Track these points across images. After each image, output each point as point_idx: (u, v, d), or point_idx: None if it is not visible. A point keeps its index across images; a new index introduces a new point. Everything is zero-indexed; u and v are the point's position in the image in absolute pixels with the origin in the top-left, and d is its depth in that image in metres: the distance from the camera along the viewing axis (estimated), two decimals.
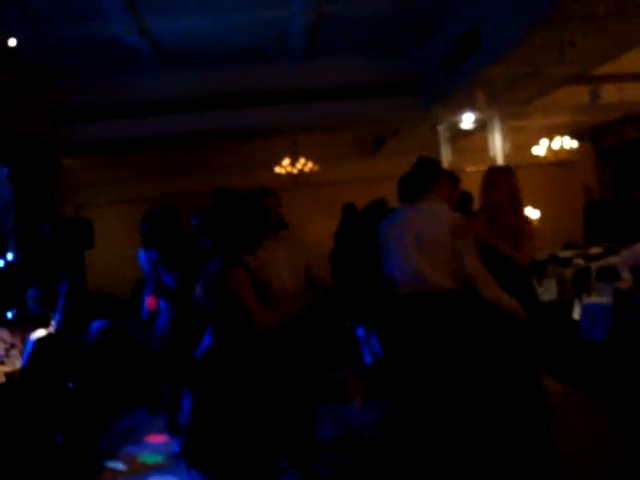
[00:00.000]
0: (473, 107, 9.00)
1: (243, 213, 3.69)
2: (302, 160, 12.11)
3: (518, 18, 6.16)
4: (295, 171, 12.13)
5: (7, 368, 4.15)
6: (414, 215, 3.80)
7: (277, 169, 12.18)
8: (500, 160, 9.42)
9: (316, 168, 12.26)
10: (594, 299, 6.95)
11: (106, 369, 5.41)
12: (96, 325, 5.75)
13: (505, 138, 9.52)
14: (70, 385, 4.35)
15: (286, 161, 12.10)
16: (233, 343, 3.23)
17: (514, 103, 8.81)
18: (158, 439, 4.89)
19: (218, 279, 3.21)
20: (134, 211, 9.13)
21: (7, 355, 4.28)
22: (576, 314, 7.36)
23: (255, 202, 3.76)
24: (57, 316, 4.30)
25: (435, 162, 4.04)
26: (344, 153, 13.36)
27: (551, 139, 11.49)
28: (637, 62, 7.35)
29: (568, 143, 11.54)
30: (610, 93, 8.61)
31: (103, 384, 5.39)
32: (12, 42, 5.57)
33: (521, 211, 4.16)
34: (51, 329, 4.25)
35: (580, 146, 12.04)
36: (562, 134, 11.58)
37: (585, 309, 6.81)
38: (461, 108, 9.23)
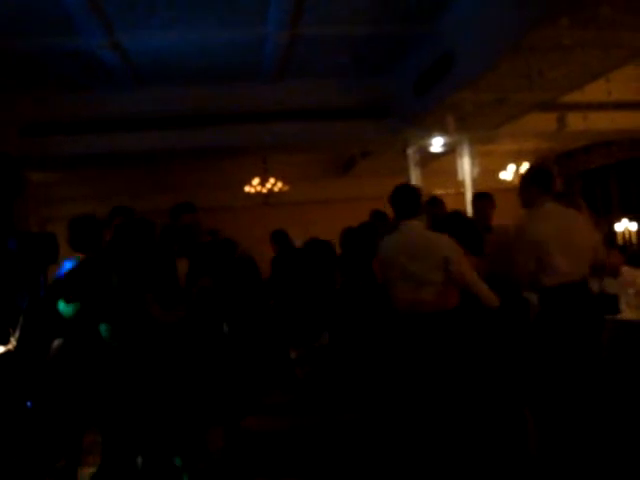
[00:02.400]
0: (443, 131, 9.11)
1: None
2: (272, 180, 12.12)
3: (488, 46, 6.27)
4: (265, 190, 12.14)
5: None
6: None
7: (247, 188, 12.17)
8: (468, 184, 9.53)
9: (286, 188, 12.27)
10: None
11: (67, 387, 5.26)
12: (57, 342, 5.61)
13: (474, 162, 9.64)
14: (29, 404, 4.21)
15: (256, 180, 12.10)
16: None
17: (483, 128, 8.94)
18: None
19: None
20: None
21: None
22: None
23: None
24: (17, 333, 4.17)
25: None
26: (314, 174, 13.41)
27: (518, 164, 11.68)
28: (601, 92, 7.52)
29: None
30: (575, 121, 8.81)
31: (63, 403, 5.24)
32: None
33: None
34: (10, 346, 4.13)
35: None
36: (529, 160, 11.79)
37: None
38: (431, 132, 9.33)
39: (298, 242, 7.42)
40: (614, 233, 10.52)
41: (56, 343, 5.75)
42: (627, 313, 5.93)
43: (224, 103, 8.91)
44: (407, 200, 4.11)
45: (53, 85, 8.39)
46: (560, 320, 4.00)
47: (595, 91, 7.44)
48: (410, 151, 10.40)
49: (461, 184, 9.73)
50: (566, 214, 4.28)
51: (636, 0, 4.89)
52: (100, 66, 7.78)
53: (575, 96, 7.61)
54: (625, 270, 7.28)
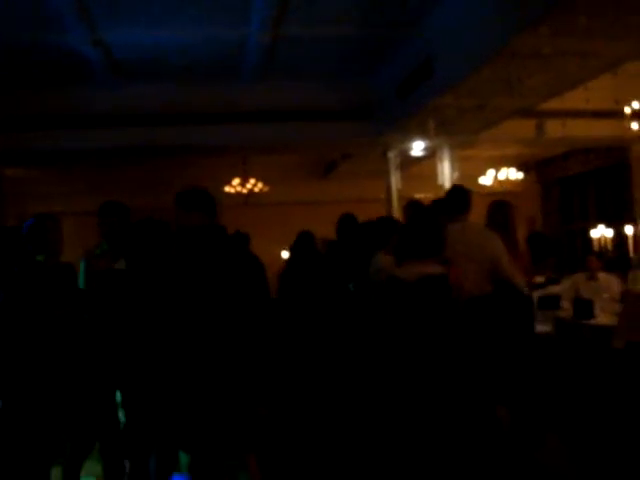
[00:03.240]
0: (423, 135, 9.17)
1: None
2: (252, 180, 12.11)
3: (469, 52, 6.33)
4: (245, 191, 12.13)
5: None
6: None
7: (227, 188, 12.15)
8: (448, 188, 9.59)
9: (266, 189, 12.27)
10: (537, 327, 7.08)
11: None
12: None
13: (454, 167, 9.72)
14: None
15: (236, 181, 12.09)
16: None
17: (463, 133, 9.02)
18: None
19: None
20: (79, 224, 8.98)
21: None
22: None
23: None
24: None
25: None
26: (295, 175, 13.42)
27: (497, 170, 11.81)
28: (579, 99, 7.62)
29: (514, 174, 11.88)
30: (554, 128, 8.91)
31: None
32: None
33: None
34: None
35: (525, 178, 12.40)
36: (508, 165, 11.92)
37: None
38: (411, 135, 9.39)
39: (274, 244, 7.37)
40: (590, 239, 10.65)
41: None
42: (602, 318, 6.02)
43: (205, 102, 8.88)
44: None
45: (33, 81, 8.30)
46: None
47: (574, 99, 7.54)
48: (391, 154, 10.45)
49: (441, 188, 9.80)
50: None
51: (613, 11, 4.96)
52: (81, 62, 7.71)
53: (554, 103, 7.70)
54: (601, 276, 7.43)
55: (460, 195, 4.98)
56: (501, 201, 5.33)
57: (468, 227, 4.77)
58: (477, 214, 5.37)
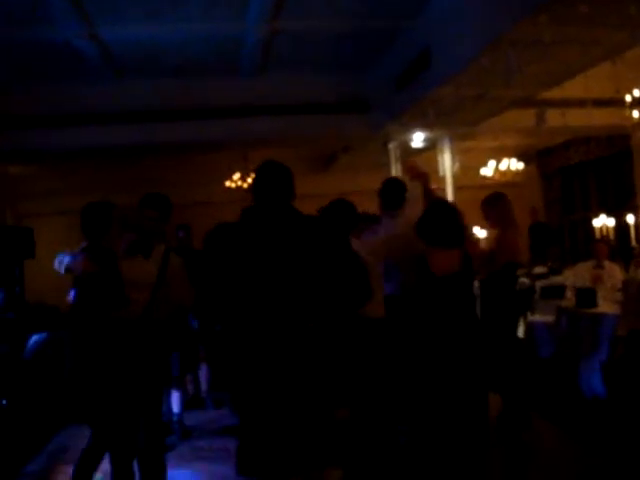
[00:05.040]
0: (423, 126, 9.13)
1: None
2: (253, 175, 12.08)
3: (467, 41, 6.30)
4: (245, 185, 12.09)
5: None
6: None
7: (227, 183, 12.12)
8: (449, 179, 9.57)
9: None
10: (538, 317, 7.08)
11: (42, 384, 5.21)
12: (34, 338, 5.56)
13: (454, 158, 9.69)
14: (4, 402, 4.16)
15: (237, 175, 12.05)
16: None
17: (463, 123, 8.98)
18: None
19: None
20: (79, 223, 8.93)
21: None
22: (520, 332, 7.48)
23: None
24: None
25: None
26: (295, 169, 13.28)
27: (498, 161, 11.76)
28: (580, 88, 7.58)
29: (515, 165, 11.83)
30: (554, 117, 8.86)
31: (39, 400, 5.19)
32: None
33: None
34: None
35: (526, 168, 12.35)
36: (509, 156, 11.87)
37: (530, 327, 6.93)
38: (411, 127, 9.35)
39: None
40: (592, 229, 10.62)
41: (34, 338, 5.72)
42: (604, 307, 6.01)
43: (204, 97, 8.85)
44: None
45: (30, 77, 8.27)
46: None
47: (574, 88, 7.50)
48: (391, 146, 10.42)
49: (442, 180, 9.76)
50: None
51: None
52: (78, 58, 7.68)
53: (554, 92, 7.67)
54: (606, 264, 7.39)
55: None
56: (492, 195, 5.31)
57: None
58: (480, 206, 5.37)
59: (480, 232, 9.66)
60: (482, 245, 7.05)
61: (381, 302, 4.10)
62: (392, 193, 4.86)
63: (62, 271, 3.64)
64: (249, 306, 2.90)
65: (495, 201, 5.23)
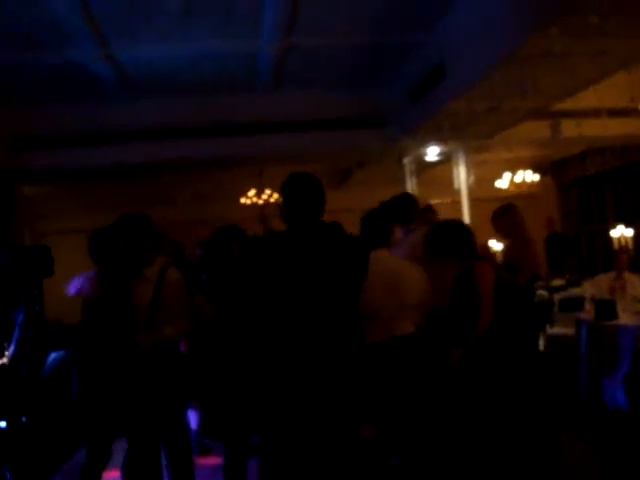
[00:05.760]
0: (438, 140, 9.13)
1: None
2: (268, 191, 12.12)
3: (481, 55, 6.31)
4: (260, 202, 12.14)
5: None
6: None
7: (242, 200, 12.17)
8: (464, 192, 9.55)
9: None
10: (557, 330, 7.01)
11: (61, 402, 5.23)
12: (53, 356, 5.59)
13: (469, 171, 9.67)
14: (23, 419, 4.18)
15: (252, 192, 12.10)
16: None
17: (478, 136, 8.97)
18: (114, 475, 4.73)
19: None
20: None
21: None
22: (541, 345, 7.42)
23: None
24: (11, 347, 4.15)
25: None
26: None
27: (514, 173, 11.72)
28: (594, 99, 7.55)
29: (530, 177, 11.79)
30: (569, 128, 8.83)
31: (58, 417, 5.21)
32: None
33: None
34: (5, 360, 4.11)
35: (542, 180, 12.29)
36: (524, 168, 11.83)
37: (549, 340, 6.87)
38: (426, 141, 9.35)
39: None
40: (609, 240, 10.53)
41: (53, 356, 5.74)
42: (624, 318, 5.93)
43: (219, 115, 8.92)
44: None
45: (46, 98, 8.39)
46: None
47: (588, 98, 7.47)
48: (406, 160, 10.43)
49: (457, 193, 9.75)
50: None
51: (624, 9, 4.91)
52: (93, 79, 7.78)
53: (568, 104, 7.64)
54: (626, 275, 7.31)
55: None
56: (501, 207, 5.28)
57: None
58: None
59: (496, 245, 9.62)
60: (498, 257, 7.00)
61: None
62: (406, 208, 4.84)
63: (70, 293, 3.66)
64: (285, 321, 2.89)
65: (505, 212, 5.19)
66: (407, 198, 5.10)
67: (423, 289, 3.84)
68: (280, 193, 3.09)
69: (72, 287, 3.67)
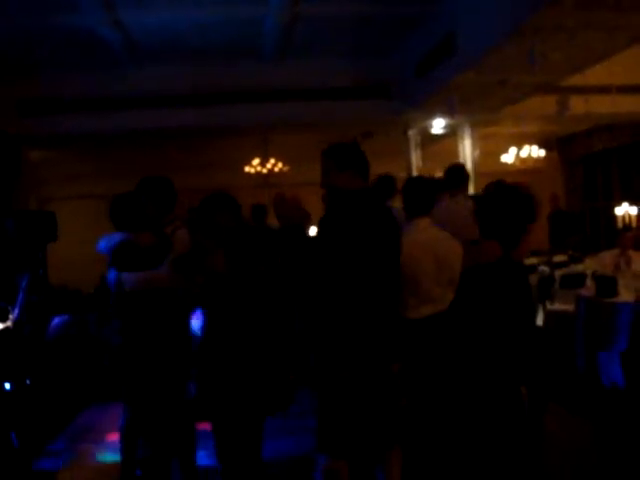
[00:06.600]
0: (444, 112, 9.07)
1: None
2: (272, 160, 12.09)
3: (490, 27, 6.23)
4: (265, 171, 12.12)
5: None
6: None
7: (246, 168, 12.15)
8: (469, 166, 9.51)
9: (286, 169, 12.24)
10: (557, 306, 7.04)
11: (65, 365, 5.30)
12: (56, 320, 5.65)
13: (475, 145, 9.62)
14: (27, 381, 4.25)
15: (256, 161, 12.08)
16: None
17: (484, 110, 8.91)
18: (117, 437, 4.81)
19: None
20: (100, 206, 9.01)
21: None
22: (540, 320, 7.45)
23: None
24: (16, 310, 4.20)
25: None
26: (315, 155, 13.32)
27: (519, 147, 11.66)
28: (602, 75, 7.48)
29: (536, 152, 11.73)
30: (577, 105, 8.76)
31: (62, 380, 5.28)
32: None
33: None
34: (9, 323, 4.15)
35: (547, 155, 12.23)
36: (530, 143, 11.76)
37: (549, 316, 6.89)
38: (432, 113, 9.30)
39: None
40: (614, 217, 10.51)
41: (57, 320, 5.81)
42: (624, 295, 5.95)
43: (224, 82, 8.87)
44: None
45: (52, 63, 8.33)
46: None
47: (597, 74, 7.40)
48: (411, 133, 10.37)
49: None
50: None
51: None
52: (100, 44, 7.73)
53: (577, 79, 7.57)
54: (630, 253, 7.30)
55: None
56: (496, 183, 5.22)
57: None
58: None
59: None
60: None
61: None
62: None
63: (105, 250, 3.62)
64: (351, 294, 2.97)
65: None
66: (459, 168, 5.09)
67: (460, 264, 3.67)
68: (339, 162, 3.16)
69: (109, 241, 3.66)
